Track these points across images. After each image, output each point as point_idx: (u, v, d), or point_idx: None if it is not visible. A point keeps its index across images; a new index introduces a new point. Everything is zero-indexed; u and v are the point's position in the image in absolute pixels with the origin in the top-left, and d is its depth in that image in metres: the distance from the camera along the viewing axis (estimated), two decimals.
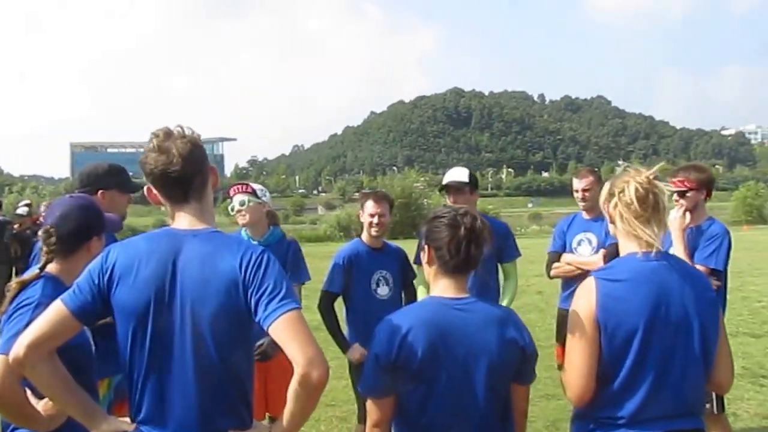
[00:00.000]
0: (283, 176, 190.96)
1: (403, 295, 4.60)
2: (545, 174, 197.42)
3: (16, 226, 10.40)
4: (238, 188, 4.33)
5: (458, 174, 4.52)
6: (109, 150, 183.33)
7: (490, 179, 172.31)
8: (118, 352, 2.16)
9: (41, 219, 11.12)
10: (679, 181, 4.15)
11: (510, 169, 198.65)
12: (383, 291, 4.44)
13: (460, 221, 2.36)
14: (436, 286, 2.43)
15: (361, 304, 4.43)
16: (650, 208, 2.36)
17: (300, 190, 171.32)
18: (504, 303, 4.44)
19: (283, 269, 4.27)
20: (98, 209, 2.77)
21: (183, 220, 2.19)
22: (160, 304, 2.07)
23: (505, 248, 4.56)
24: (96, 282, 2.11)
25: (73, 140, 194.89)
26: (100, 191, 3.48)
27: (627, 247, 2.43)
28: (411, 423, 2.36)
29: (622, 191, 2.39)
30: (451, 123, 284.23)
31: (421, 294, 4.44)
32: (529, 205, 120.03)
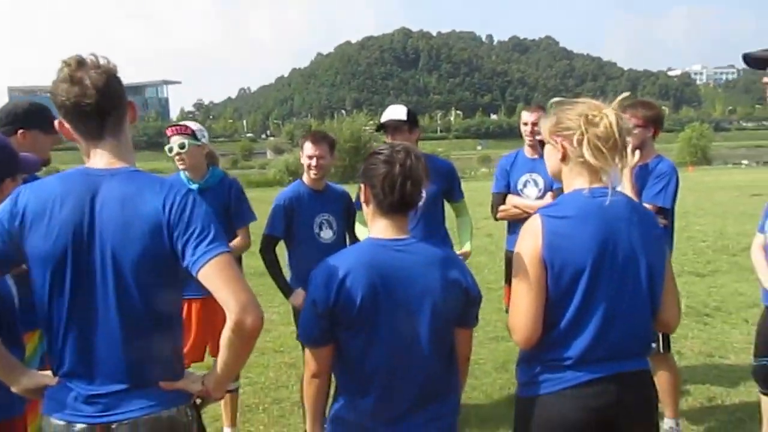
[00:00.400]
0: (231, 120, 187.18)
1: (347, 239, 4.45)
2: (494, 116, 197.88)
3: None
4: (175, 130, 4.05)
5: (396, 112, 4.29)
6: (49, 94, 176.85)
7: (438, 121, 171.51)
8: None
9: None
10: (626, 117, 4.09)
11: (458, 111, 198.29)
12: (326, 235, 4.27)
13: (395, 158, 2.22)
14: (375, 227, 2.31)
15: (304, 248, 4.25)
16: (621, 143, 2.22)
17: (248, 135, 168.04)
18: (466, 239, 4.46)
19: (227, 211, 4.12)
20: (11, 149, 2.55)
21: (99, 159, 2.01)
22: (78, 250, 1.92)
23: (453, 188, 4.49)
24: (6, 227, 1.94)
25: (10, 84, 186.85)
26: (20, 131, 3.24)
27: (574, 183, 2.31)
28: (353, 371, 2.25)
29: (594, 123, 2.19)
30: (399, 64, 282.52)
31: (360, 233, 4.31)
32: (479, 148, 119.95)
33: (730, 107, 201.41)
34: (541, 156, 4.76)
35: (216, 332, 4.01)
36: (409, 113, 4.30)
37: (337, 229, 4.32)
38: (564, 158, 2.32)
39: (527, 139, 4.93)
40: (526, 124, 4.94)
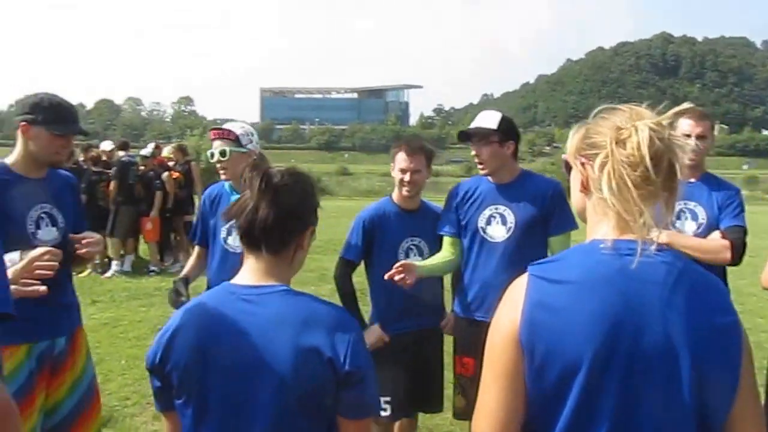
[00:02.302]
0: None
1: None
2: (765, 132, 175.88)
3: (141, 167, 10.28)
4: (217, 133, 3.54)
5: (485, 119, 3.50)
6: (297, 96, 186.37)
7: None
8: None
9: (167, 162, 11.03)
10: None
11: (724, 126, 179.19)
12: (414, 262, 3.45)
13: (266, 175, 1.73)
14: (242, 267, 1.83)
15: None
16: (663, 174, 1.42)
17: None
18: None
19: None
20: None
21: None
22: None
23: (554, 215, 3.45)
24: None
25: (263, 85, 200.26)
26: (23, 122, 3.00)
27: (596, 228, 1.53)
28: None
29: (621, 141, 1.43)
30: (656, 72, 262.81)
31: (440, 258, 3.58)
32: (744, 167, 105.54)
33: None
34: (700, 179, 3.57)
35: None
36: (502, 121, 3.48)
37: (429, 255, 3.65)
38: (585, 188, 1.56)
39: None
40: (688, 136, 3.50)
